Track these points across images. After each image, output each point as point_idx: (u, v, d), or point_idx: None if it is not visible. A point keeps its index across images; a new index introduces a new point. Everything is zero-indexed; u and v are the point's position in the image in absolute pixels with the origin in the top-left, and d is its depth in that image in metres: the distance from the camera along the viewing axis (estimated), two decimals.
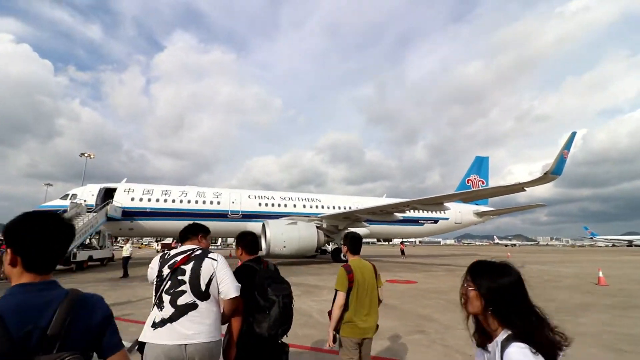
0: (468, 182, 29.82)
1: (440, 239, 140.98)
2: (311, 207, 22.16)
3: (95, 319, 1.11)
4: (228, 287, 2.09)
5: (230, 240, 58.63)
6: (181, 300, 1.98)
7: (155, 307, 2.01)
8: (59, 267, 13.86)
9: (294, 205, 21.63)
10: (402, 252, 28.82)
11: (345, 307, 2.64)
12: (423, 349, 4.53)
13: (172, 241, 40.98)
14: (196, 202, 20.13)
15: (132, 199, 19.06)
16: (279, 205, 21.45)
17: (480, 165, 30.62)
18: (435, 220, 25.72)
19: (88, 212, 16.87)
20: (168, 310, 1.96)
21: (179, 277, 2.04)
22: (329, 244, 28.36)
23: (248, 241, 2.61)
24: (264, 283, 2.30)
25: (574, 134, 13.98)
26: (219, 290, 2.08)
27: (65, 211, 16.30)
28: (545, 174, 12.89)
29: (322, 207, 22.40)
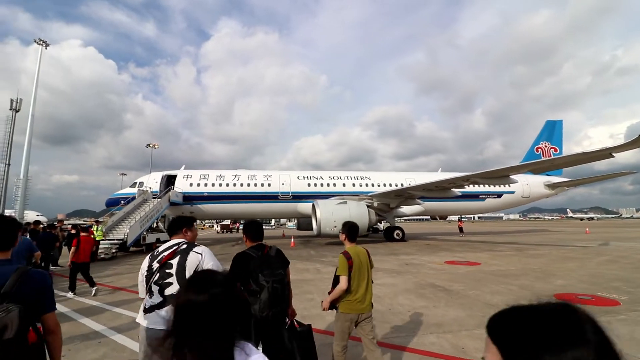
0: (537, 151, 26.52)
1: (502, 214, 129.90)
2: (361, 185, 21.55)
3: (35, 287, 1.61)
4: None
5: (283, 220, 61.01)
6: (168, 291, 2.26)
7: (147, 295, 2.31)
8: (133, 248, 15.44)
9: (344, 185, 21.22)
10: (461, 229, 27.05)
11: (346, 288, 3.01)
12: None
13: (230, 222, 43.68)
14: (248, 185, 20.77)
15: (191, 185, 20.29)
16: (328, 185, 21.22)
17: (553, 131, 26.93)
18: (499, 195, 23.45)
19: (154, 198, 18.36)
20: (156, 298, 2.26)
21: (167, 270, 2.31)
22: (380, 223, 27.76)
23: (252, 229, 2.84)
24: (256, 269, 2.55)
25: None
26: None
27: (133, 198, 17.93)
28: None
29: (373, 185, 21.65)
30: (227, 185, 20.59)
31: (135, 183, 20.49)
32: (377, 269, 9.54)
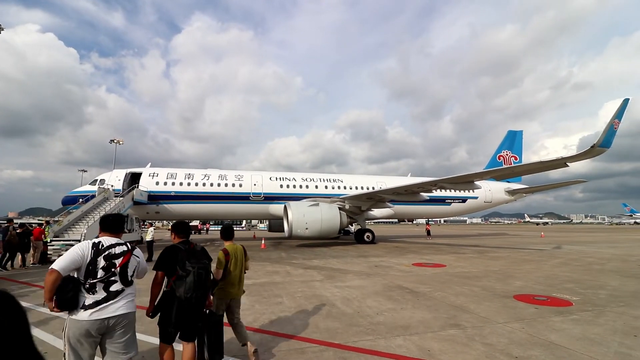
0: (499, 159, 28.11)
1: (466, 218, 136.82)
2: (333, 187, 21.66)
3: None
4: (144, 273, 2.95)
5: (255, 222, 59.93)
6: (113, 287, 2.59)
7: (86, 291, 2.50)
8: None
9: (316, 187, 21.23)
10: (428, 232, 27.99)
11: (223, 277, 3.69)
12: (460, 347, 3.99)
13: (198, 223, 42.24)
14: (218, 185, 20.18)
15: (157, 183, 19.36)
16: (301, 186, 21.12)
17: (513, 140, 28.66)
18: (464, 200, 24.56)
19: (116, 196, 17.31)
20: (100, 294, 2.53)
21: (112, 269, 2.60)
22: (351, 225, 28.07)
23: (179, 228, 3.44)
24: (184, 258, 3.10)
25: (626, 101, 12.34)
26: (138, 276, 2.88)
27: (93, 196, 16.80)
28: (592, 146, 11.55)
29: (345, 187, 21.84)
30: (197, 184, 19.88)
31: (96, 180, 19.23)
32: (347, 271, 9.61)
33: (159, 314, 3.12)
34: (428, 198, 18.78)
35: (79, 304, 2.46)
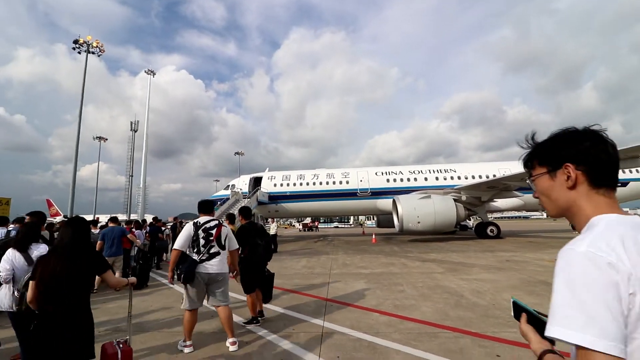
0: None
1: (627, 209, 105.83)
2: (445, 178, 19.99)
3: None
4: (233, 243, 4.04)
5: (362, 218, 60.65)
6: (212, 250, 3.76)
7: (194, 253, 3.71)
8: None
9: (425, 179, 20.00)
10: (573, 226, 22.90)
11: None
12: None
13: (310, 221, 45.29)
14: (327, 183, 21.20)
15: (275, 185, 21.65)
16: (408, 179, 20.26)
17: None
18: (624, 183, 19.18)
19: (244, 198, 20.14)
20: (205, 255, 3.71)
21: (210, 238, 3.77)
22: (469, 219, 25.34)
23: (245, 212, 4.96)
24: (255, 235, 4.63)
25: None
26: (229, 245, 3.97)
27: (227, 199, 19.95)
28: None
29: (459, 177, 19.84)
30: (307, 184, 21.37)
31: (229, 186, 22.79)
32: (472, 265, 8.71)
33: (241, 274, 4.38)
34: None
35: (195, 277, 3.63)
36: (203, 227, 3.77)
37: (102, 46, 25.85)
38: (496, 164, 21.07)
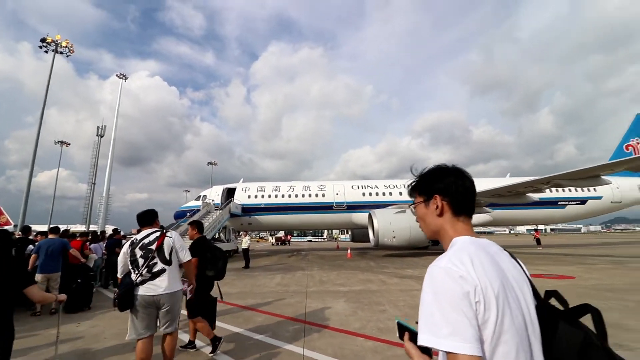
0: (628, 149, 22.78)
1: (580, 225, 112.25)
2: None
3: None
4: (184, 254, 3.36)
5: (336, 232, 60.39)
6: (155, 268, 3.12)
7: (133, 274, 3.12)
8: None
9: (400, 193, 20.18)
10: (538, 241, 24.02)
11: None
12: None
13: (283, 235, 44.36)
14: (303, 195, 20.80)
15: (249, 197, 20.92)
16: (384, 194, 20.36)
17: None
18: (583, 201, 20.40)
19: (216, 210, 19.22)
20: (147, 274, 3.09)
21: (149, 255, 3.13)
22: None
23: (200, 226, 4.46)
24: (208, 250, 4.17)
25: None
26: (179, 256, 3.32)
27: (198, 210, 18.92)
28: None
29: None
30: (283, 196, 20.85)
31: (199, 196, 21.73)
32: None
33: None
34: (538, 199, 16.12)
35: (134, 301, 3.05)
36: (140, 244, 3.19)
37: (71, 46, 24.18)
38: None
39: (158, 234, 3.28)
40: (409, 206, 1.20)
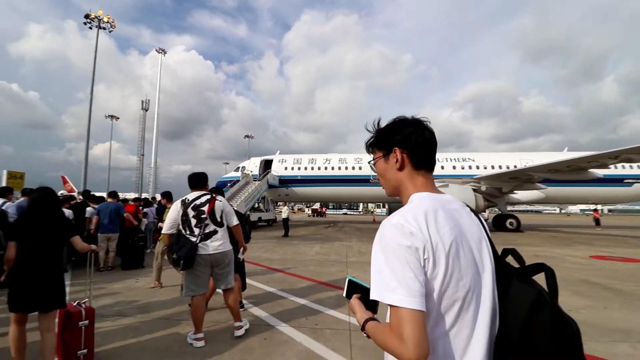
0: None
1: None
2: (463, 167, 19.23)
3: None
4: (232, 218, 3.44)
5: (371, 206, 60.10)
6: (207, 229, 3.24)
7: (189, 235, 3.20)
8: None
9: (442, 167, 19.24)
10: (597, 221, 22.01)
11: None
12: None
13: (319, 206, 44.97)
14: (339, 168, 20.62)
15: (286, 169, 21.17)
16: None
17: None
18: (630, 183, 18.09)
19: (254, 181, 19.73)
20: (200, 235, 3.18)
21: (202, 216, 3.22)
22: (484, 211, 24.52)
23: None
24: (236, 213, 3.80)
25: None
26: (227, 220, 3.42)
27: (237, 181, 19.54)
28: None
29: (477, 167, 19.08)
30: (319, 169, 20.83)
31: (239, 167, 22.39)
32: None
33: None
34: (602, 176, 14.51)
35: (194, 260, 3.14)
36: (192, 205, 3.25)
37: (113, 22, 25.18)
38: (517, 154, 20.18)
39: (209, 197, 3.35)
40: (369, 162, 1.12)
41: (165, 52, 35.72)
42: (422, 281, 0.77)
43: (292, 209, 65.13)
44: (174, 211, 3.30)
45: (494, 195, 16.37)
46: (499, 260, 0.91)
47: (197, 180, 3.48)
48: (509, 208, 20.58)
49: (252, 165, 21.89)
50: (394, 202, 21.89)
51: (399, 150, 0.96)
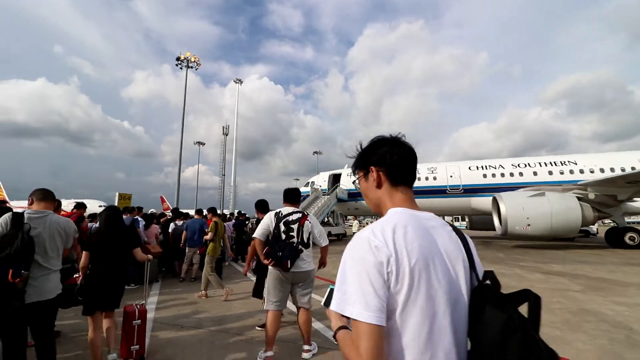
0: None
1: None
2: (561, 172, 16.33)
3: None
4: (322, 238, 3.48)
5: (448, 219, 55.69)
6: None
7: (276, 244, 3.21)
8: None
9: (534, 173, 16.68)
10: None
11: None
12: None
13: None
14: None
15: (354, 182, 20.88)
16: (512, 174, 17.18)
17: None
18: None
19: (323, 195, 19.90)
20: (285, 253, 3.16)
21: (290, 233, 3.20)
22: (592, 225, 20.54)
23: (262, 205, 4.51)
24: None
25: None
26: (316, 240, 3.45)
27: (307, 196, 19.94)
28: None
29: (581, 171, 15.98)
30: None
31: (308, 183, 22.93)
32: (622, 283, 6.51)
33: (258, 278, 4.45)
34: None
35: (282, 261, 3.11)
36: (285, 220, 3.21)
37: (198, 60, 29.00)
38: (635, 153, 16.45)
39: (300, 215, 3.32)
40: (353, 182, 1.29)
41: (241, 82, 39.58)
42: (383, 295, 0.78)
43: (362, 223, 64.14)
44: (267, 221, 3.32)
45: (607, 204, 13.47)
46: (479, 282, 0.90)
47: (292, 196, 3.52)
48: (628, 219, 16.79)
49: (321, 180, 22.16)
50: (476, 215, 19.76)
51: (375, 169, 1.01)
